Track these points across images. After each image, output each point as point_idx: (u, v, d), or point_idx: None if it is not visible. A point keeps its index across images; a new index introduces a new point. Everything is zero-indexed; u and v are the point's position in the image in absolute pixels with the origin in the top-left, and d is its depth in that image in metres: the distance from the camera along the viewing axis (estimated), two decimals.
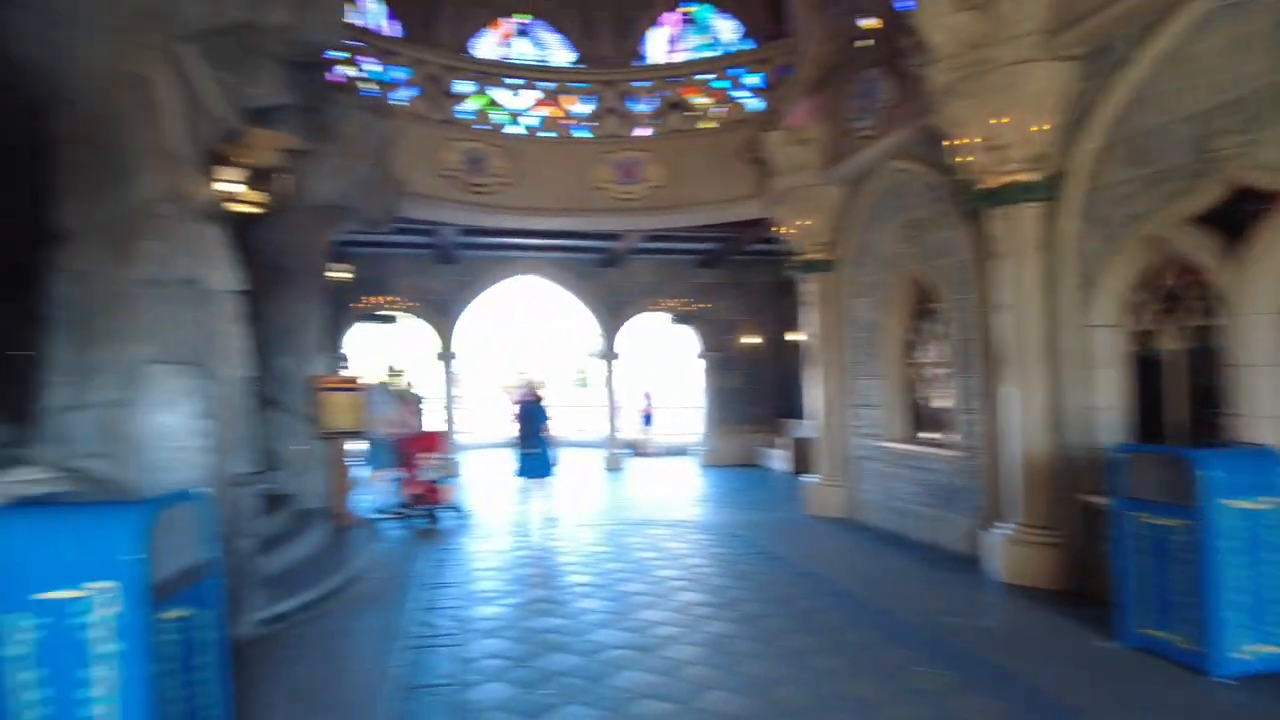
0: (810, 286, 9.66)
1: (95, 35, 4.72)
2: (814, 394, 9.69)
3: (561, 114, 11.25)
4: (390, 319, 13.98)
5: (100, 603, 2.89)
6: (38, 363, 4.82)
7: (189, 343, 4.73)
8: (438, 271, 14.05)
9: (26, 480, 3.81)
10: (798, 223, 9.48)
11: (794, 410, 13.45)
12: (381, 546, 7.76)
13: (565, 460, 9.89)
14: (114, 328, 4.64)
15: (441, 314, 14.29)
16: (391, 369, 10.76)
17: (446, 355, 14.37)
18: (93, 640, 2.89)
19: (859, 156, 8.45)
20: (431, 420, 10.76)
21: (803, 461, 11.54)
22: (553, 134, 11.10)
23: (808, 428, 10.49)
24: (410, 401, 10.50)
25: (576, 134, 11.17)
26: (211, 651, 3.46)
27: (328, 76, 8.30)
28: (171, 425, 4.63)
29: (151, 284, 4.66)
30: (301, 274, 8.59)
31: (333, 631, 5.45)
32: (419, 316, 14.28)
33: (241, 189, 5.39)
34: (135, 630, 2.92)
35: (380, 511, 9.47)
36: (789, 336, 14.06)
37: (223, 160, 5.61)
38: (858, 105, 8.43)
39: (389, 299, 13.67)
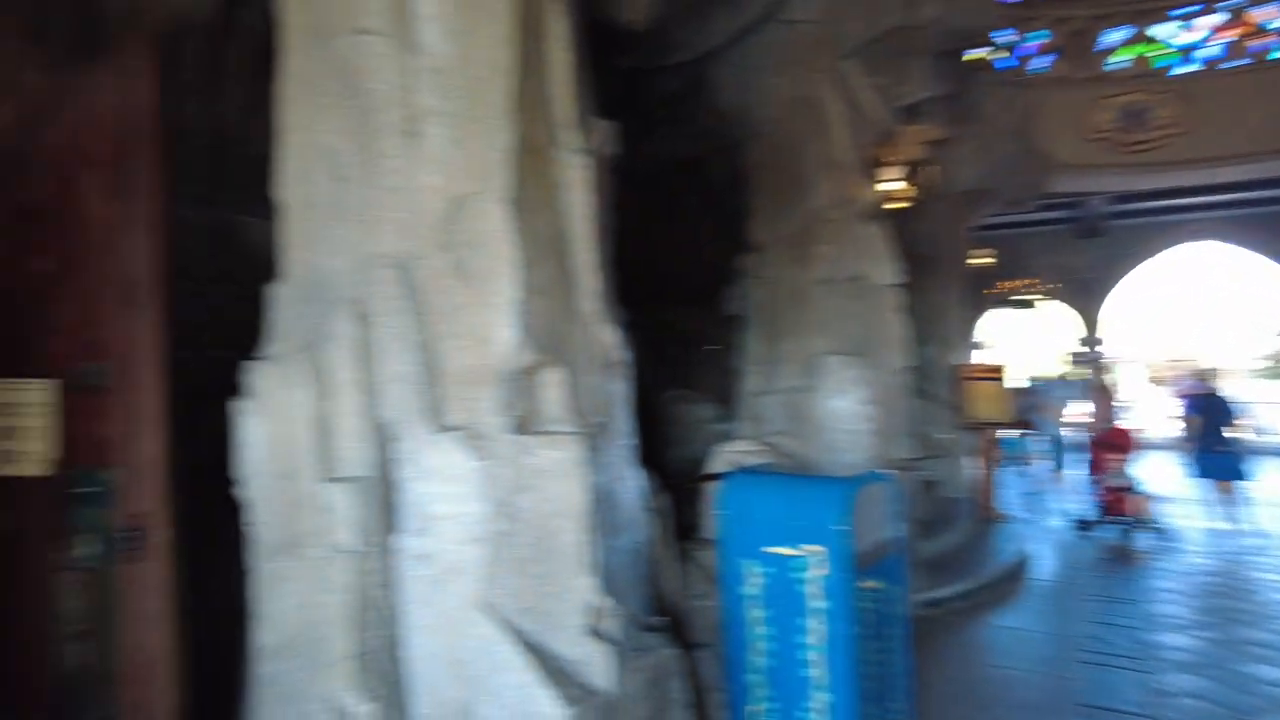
0: None
1: (777, 72, 5.49)
2: None
3: (1252, 32, 9.01)
4: (1027, 304, 13.15)
5: (813, 563, 3.29)
6: (731, 355, 5.87)
7: (857, 334, 5.15)
8: (1080, 248, 12.68)
9: (742, 451, 4.61)
10: None
11: None
12: (1035, 546, 7.31)
13: (1262, 469, 7.85)
14: (795, 323, 5.34)
15: (1084, 295, 12.90)
16: (1074, 355, 9.96)
17: (1091, 341, 12.90)
18: (808, 595, 3.32)
19: None
20: (1125, 416, 9.32)
21: None
22: (1243, 61, 8.96)
23: None
24: (1102, 393, 9.40)
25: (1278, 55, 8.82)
26: (897, 624, 3.67)
27: (964, 58, 8.15)
28: (843, 410, 5.09)
29: (825, 283, 5.22)
30: (942, 263, 8.67)
31: (988, 625, 5.33)
32: (1058, 299, 13.13)
33: (897, 186, 5.65)
34: (840, 592, 3.24)
35: (1028, 504, 8.96)
36: None
37: (876, 161, 5.98)
38: None
39: (1025, 282, 12.88)
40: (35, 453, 2.59)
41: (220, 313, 3.07)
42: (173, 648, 2.46)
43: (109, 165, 2.50)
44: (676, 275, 7.10)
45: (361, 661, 2.39)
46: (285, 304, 2.57)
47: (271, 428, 2.46)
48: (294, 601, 2.46)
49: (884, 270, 5.32)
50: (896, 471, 5.30)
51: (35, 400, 2.58)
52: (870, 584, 3.46)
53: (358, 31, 2.50)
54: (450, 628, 2.47)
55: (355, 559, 2.41)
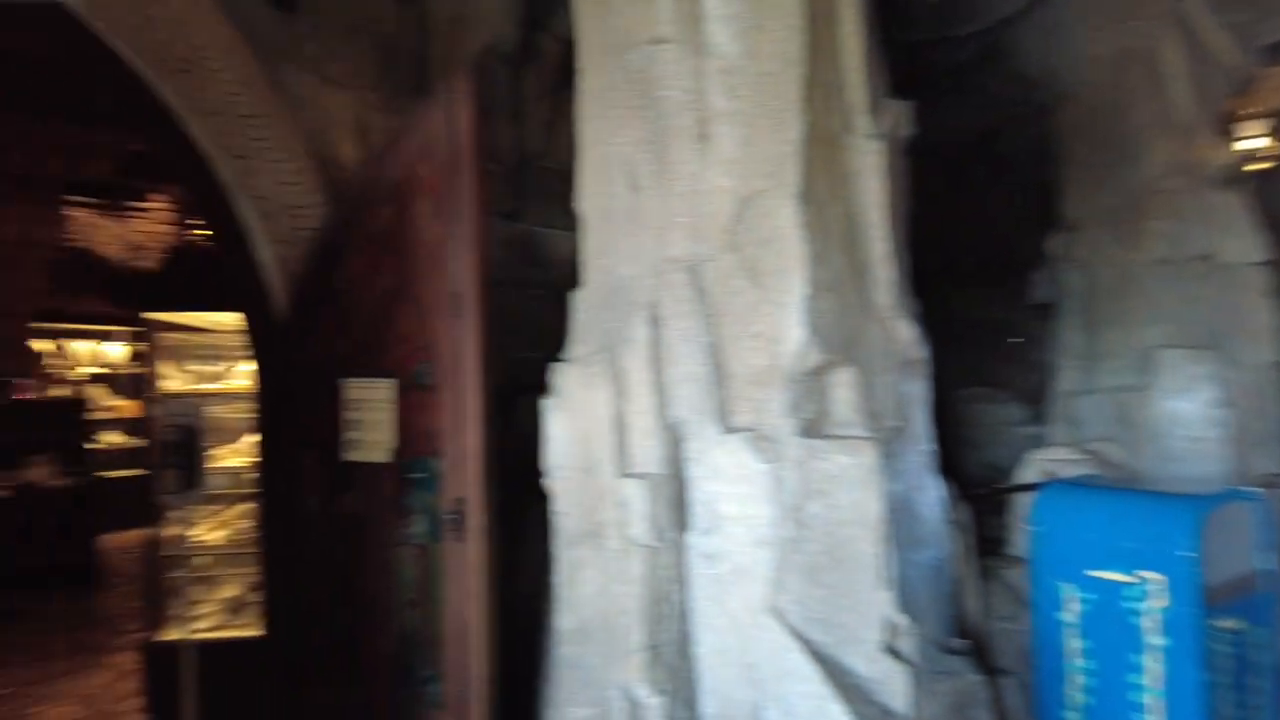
0: None
1: (1094, 28, 4.79)
2: None
3: None
4: None
5: (1151, 593, 2.83)
6: (1038, 347, 5.23)
7: (1205, 323, 4.36)
8: None
9: (1058, 459, 4.11)
10: None
11: None
12: None
13: None
14: (1122, 312, 4.63)
15: None
16: None
17: None
18: (1144, 629, 2.86)
19: None
20: None
21: None
22: None
23: None
24: None
25: None
26: (1264, 675, 3.05)
27: None
28: (1186, 413, 4.33)
29: (1161, 264, 4.48)
30: None
31: None
32: None
33: (1261, 144, 4.69)
34: (1184, 630, 2.77)
35: None
36: None
37: (1231, 116, 5.00)
38: None
39: None
40: (381, 442, 3.02)
41: (525, 319, 3.34)
42: (486, 620, 2.71)
43: (437, 191, 2.81)
44: (966, 252, 6.53)
45: (654, 654, 2.46)
46: (586, 309, 2.72)
47: (574, 424, 2.63)
48: (592, 589, 2.60)
49: (1243, 246, 4.43)
50: (1263, 489, 4.42)
51: (381, 397, 3.01)
52: (1228, 624, 2.92)
53: (653, 41, 2.57)
54: (739, 629, 2.46)
55: (649, 553, 2.48)
